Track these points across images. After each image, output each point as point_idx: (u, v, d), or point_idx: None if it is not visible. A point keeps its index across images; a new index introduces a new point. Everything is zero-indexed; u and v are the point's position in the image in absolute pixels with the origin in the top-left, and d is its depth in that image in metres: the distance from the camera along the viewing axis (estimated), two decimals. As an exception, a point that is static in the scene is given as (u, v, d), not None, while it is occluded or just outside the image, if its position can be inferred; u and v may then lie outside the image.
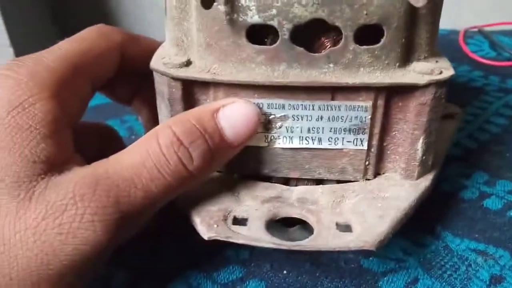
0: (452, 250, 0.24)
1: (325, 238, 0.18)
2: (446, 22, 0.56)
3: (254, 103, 0.20)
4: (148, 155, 0.18)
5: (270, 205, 0.20)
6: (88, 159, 0.25)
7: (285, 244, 0.18)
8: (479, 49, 0.51)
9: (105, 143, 0.25)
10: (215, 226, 0.19)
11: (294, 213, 0.20)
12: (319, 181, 0.23)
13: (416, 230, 0.25)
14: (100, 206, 0.16)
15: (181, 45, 0.22)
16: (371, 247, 0.17)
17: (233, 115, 0.20)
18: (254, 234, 0.18)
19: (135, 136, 0.35)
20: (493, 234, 0.25)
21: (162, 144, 0.18)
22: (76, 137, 0.20)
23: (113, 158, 0.18)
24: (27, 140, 0.17)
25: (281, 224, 0.22)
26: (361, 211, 0.20)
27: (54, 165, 0.17)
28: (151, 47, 0.24)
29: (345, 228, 0.19)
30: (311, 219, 0.19)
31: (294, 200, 0.21)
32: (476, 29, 0.55)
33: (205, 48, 0.21)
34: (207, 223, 0.19)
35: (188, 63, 0.21)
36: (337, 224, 0.19)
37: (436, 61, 0.22)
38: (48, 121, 0.18)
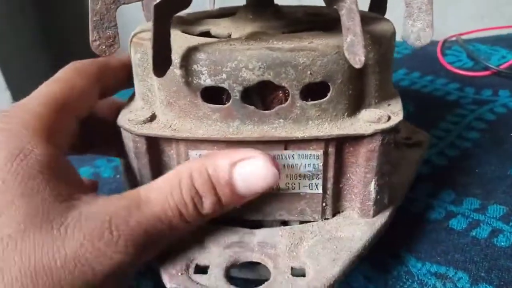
0: (413, 275, 0.25)
1: (279, 284, 0.19)
2: None
3: (274, 160, 0.21)
4: (172, 196, 0.20)
5: (231, 251, 0.22)
6: None
7: (241, 293, 0.19)
8: (457, 59, 0.52)
9: None
10: (178, 274, 0.20)
11: (254, 257, 0.21)
12: (283, 221, 0.24)
13: (381, 254, 0.26)
14: (132, 234, 0.19)
15: (147, 99, 0.24)
16: (320, 293, 0.19)
17: (249, 172, 0.20)
18: (213, 284, 0.20)
19: (120, 175, 0.36)
20: (454, 255, 0.26)
21: (183, 188, 0.20)
22: None
23: (144, 194, 0.20)
24: (42, 185, 0.19)
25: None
26: (316, 254, 0.21)
27: (75, 199, 0.19)
28: (124, 66, 0.26)
29: (300, 272, 0.20)
30: (269, 264, 0.21)
31: (255, 244, 0.22)
32: (455, 38, 0.56)
33: (166, 105, 0.22)
34: (170, 273, 0.20)
35: (152, 118, 0.23)
36: (292, 269, 0.20)
37: (389, 104, 0.23)
38: (51, 162, 0.19)
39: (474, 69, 0.49)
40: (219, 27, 0.25)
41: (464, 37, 0.57)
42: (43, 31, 0.84)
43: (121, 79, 0.26)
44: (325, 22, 0.25)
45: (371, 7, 0.27)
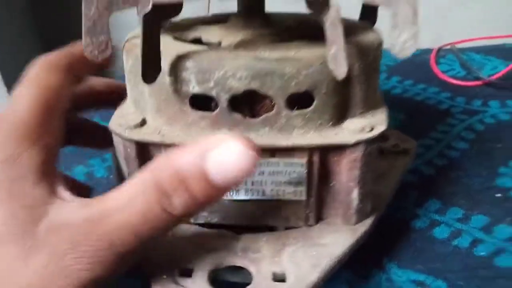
0: (393, 282, 0.26)
1: (260, 289, 0.20)
2: (428, 38, 0.58)
3: (250, 140, 0.18)
4: (136, 202, 0.18)
5: (216, 255, 0.22)
6: None
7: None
8: (450, 68, 0.53)
9: None
10: (163, 277, 0.21)
11: (238, 262, 0.22)
12: (268, 226, 0.25)
13: (364, 261, 0.27)
14: (96, 249, 0.18)
15: (138, 104, 0.24)
16: (298, 298, 0.19)
17: (223, 159, 0.18)
18: (197, 287, 0.20)
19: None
20: (435, 264, 0.27)
21: (147, 192, 0.18)
22: None
23: (109, 202, 0.19)
24: (22, 189, 0.19)
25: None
26: (297, 260, 0.22)
27: (49, 205, 0.19)
28: None
29: (281, 277, 0.21)
30: (251, 268, 0.21)
31: (239, 248, 0.23)
32: (449, 47, 0.56)
33: (156, 111, 0.22)
34: (155, 275, 0.21)
35: (143, 123, 0.23)
36: (273, 274, 0.21)
37: (373, 114, 0.24)
38: (37, 167, 0.20)
39: (466, 79, 0.50)
40: (210, 34, 0.26)
41: (460, 45, 0.57)
42: (41, 34, 0.84)
43: (90, 64, 0.25)
44: (314, 30, 0.25)
45: (362, 16, 0.28)
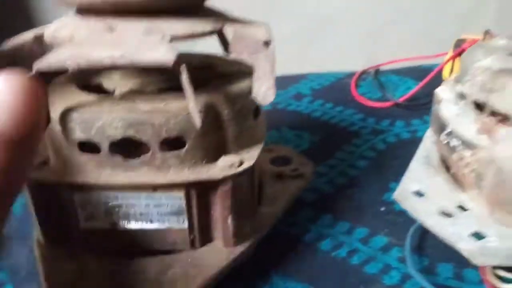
0: (273, 291, 0.30)
1: (139, 307, 0.24)
2: (358, 62, 0.62)
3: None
4: None
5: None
6: None
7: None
8: (368, 90, 0.57)
9: None
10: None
11: (126, 284, 0.25)
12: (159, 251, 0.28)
13: (252, 274, 0.30)
14: None
15: (44, 145, 0.27)
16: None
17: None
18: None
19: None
20: (312, 273, 0.31)
21: None
22: None
23: None
24: None
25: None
26: (176, 280, 0.25)
27: None
28: None
29: (160, 296, 0.25)
30: (137, 289, 0.25)
31: (130, 271, 0.26)
32: (371, 70, 0.61)
33: (53, 155, 0.26)
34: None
35: (45, 163, 0.26)
36: (153, 293, 0.25)
37: (248, 151, 0.27)
38: None
39: (380, 100, 0.54)
40: (110, 80, 0.29)
41: (385, 67, 0.62)
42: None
43: None
44: (202, 77, 0.29)
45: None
